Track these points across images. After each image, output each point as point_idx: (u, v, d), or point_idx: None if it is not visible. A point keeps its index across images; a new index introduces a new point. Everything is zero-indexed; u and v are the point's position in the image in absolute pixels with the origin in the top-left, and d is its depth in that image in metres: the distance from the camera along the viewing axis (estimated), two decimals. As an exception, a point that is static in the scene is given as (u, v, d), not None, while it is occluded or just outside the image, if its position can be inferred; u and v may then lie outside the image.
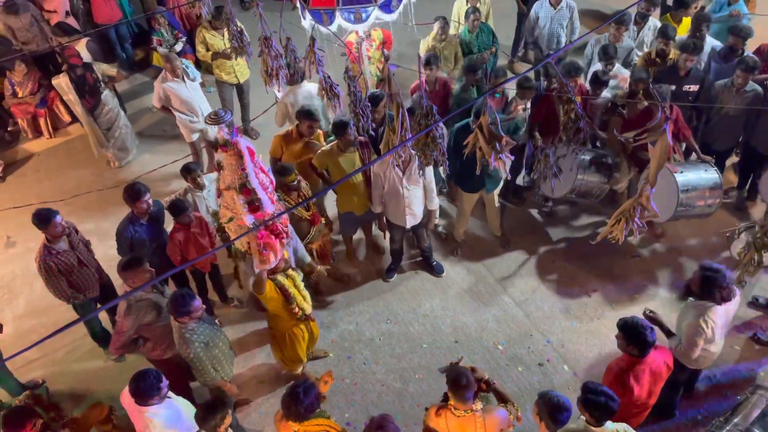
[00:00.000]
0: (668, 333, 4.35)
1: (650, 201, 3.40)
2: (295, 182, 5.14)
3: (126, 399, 3.86)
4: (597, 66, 6.32)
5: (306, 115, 5.50)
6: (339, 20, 5.94)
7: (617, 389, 3.69)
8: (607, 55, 6.12)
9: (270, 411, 5.04)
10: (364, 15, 5.85)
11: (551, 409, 3.33)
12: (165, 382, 3.77)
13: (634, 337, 3.68)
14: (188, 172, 5.45)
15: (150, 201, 5.01)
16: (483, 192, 5.84)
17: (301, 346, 4.79)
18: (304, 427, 3.52)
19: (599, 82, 5.86)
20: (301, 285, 4.61)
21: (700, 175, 5.38)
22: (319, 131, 5.81)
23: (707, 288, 4.00)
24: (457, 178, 5.86)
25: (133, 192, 4.92)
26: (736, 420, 4.17)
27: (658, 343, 3.86)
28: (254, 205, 4.18)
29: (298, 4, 6.09)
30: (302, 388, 3.48)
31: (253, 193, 4.20)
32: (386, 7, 5.98)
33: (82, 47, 7.54)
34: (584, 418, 3.45)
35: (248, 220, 4.20)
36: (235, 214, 4.30)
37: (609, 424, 3.41)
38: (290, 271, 4.54)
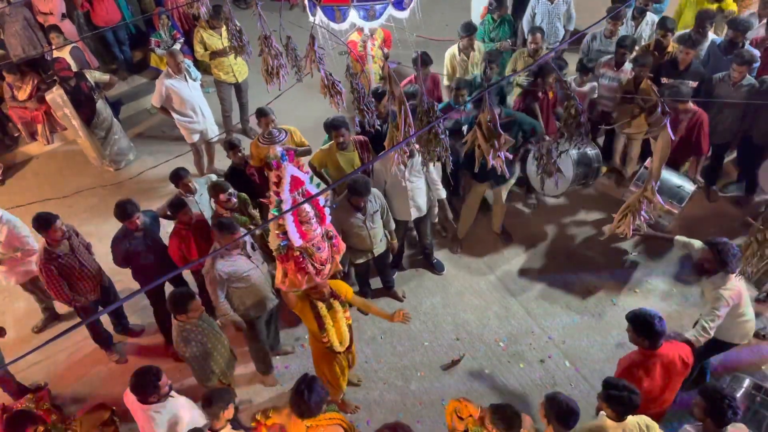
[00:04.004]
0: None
1: (655, 194, 3.40)
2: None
3: (129, 399, 3.87)
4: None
5: (258, 113, 5.66)
6: (352, 17, 5.78)
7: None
8: (584, 68, 6.26)
9: (273, 411, 5.05)
10: (377, 12, 5.75)
11: (560, 413, 3.28)
12: (165, 381, 3.77)
13: (642, 327, 3.68)
14: (178, 179, 5.31)
15: (140, 217, 4.87)
16: (492, 183, 5.83)
17: (343, 371, 4.55)
18: (316, 421, 3.51)
19: (585, 69, 6.07)
20: (343, 323, 4.30)
21: (671, 184, 5.35)
22: (289, 128, 5.78)
23: (722, 259, 4.06)
24: (469, 166, 5.78)
25: (122, 212, 4.80)
26: None
27: (674, 338, 3.85)
28: (284, 235, 3.90)
29: (306, 2, 5.99)
30: (305, 384, 3.43)
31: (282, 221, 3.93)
32: (398, 5, 5.87)
33: (66, 54, 7.45)
34: (603, 414, 3.43)
35: (276, 241, 3.95)
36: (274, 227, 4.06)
37: (629, 416, 3.39)
38: (336, 304, 4.24)
